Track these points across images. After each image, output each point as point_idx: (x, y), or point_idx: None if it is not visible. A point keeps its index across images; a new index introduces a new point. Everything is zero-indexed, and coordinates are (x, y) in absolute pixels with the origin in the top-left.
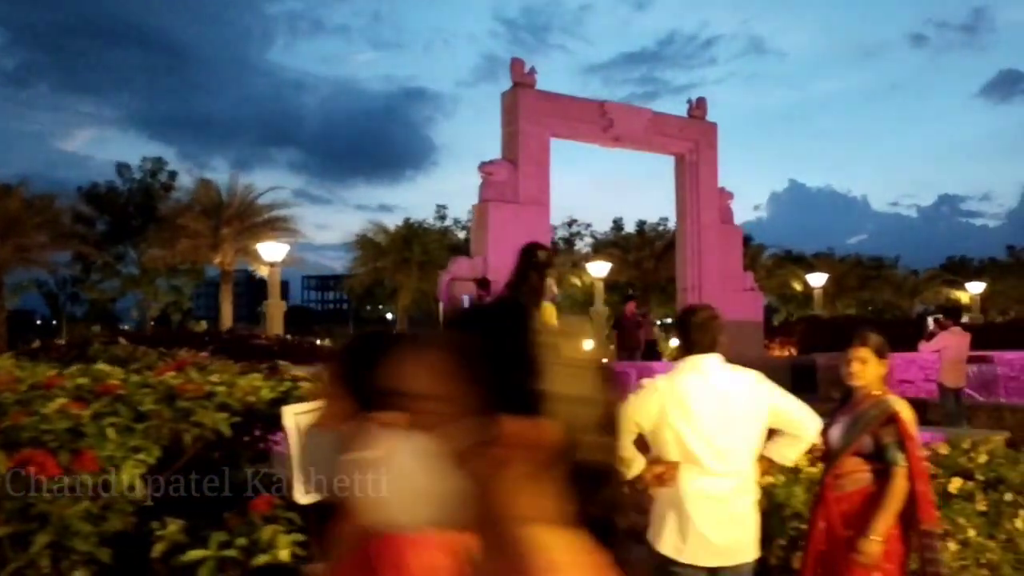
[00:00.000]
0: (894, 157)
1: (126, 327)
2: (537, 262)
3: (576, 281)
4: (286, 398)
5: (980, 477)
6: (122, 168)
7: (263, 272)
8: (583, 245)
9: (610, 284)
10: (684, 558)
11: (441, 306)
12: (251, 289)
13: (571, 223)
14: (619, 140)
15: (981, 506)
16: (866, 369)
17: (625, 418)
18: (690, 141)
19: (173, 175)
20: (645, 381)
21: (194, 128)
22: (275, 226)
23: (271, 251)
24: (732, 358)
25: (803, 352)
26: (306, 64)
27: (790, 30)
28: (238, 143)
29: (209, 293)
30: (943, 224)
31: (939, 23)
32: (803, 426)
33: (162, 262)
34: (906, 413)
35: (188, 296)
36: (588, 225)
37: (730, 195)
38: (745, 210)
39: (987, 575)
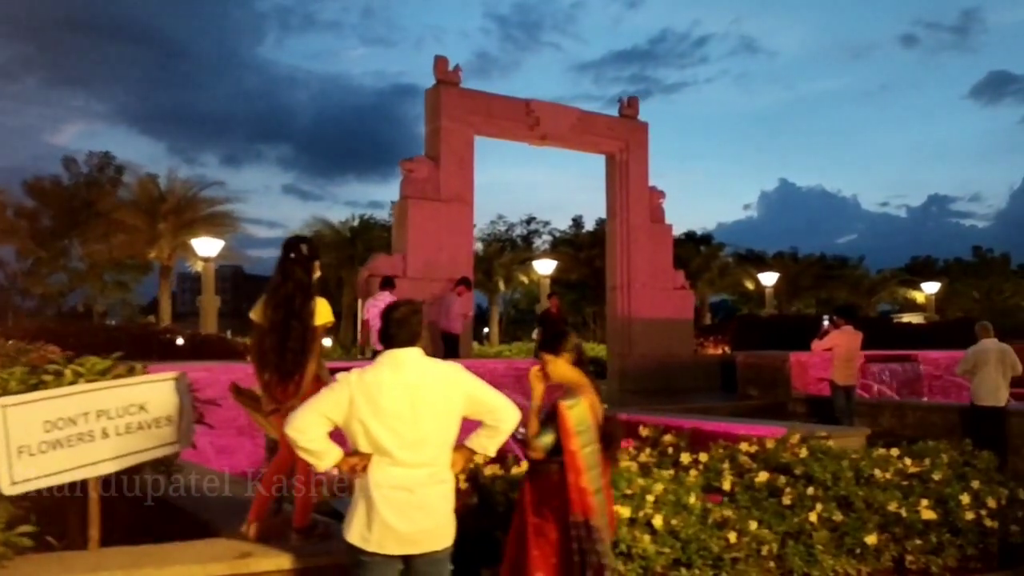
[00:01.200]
0: (884, 157)
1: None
2: (300, 256)
3: (524, 279)
4: (36, 388)
5: (797, 472)
6: (68, 162)
7: (198, 267)
8: (541, 243)
9: (563, 282)
10: (370, 547)
11: (360, 303)
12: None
13: (529, 220)
14: (546, 139)
15: (787, 499)
16: (555, 369)
17: (314, 411)
18: (620, 140)
19: (120, 170)
20: (340, 375)
21: (184, 123)
22: (213, 221)
23: (205, 246)
24: (662, 355)
25: (736, 350)
26: (297, 60)
27: (781, 30)
28: (229, 138)
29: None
30: (932, 224)
31: (929, 24)
32: (500, 417)
33: (99, 257)
34: (577, 411)
35: (132, 291)
36: (547, 223)
37: (661, 194)
38: (735, 209)
39: (773, 566)
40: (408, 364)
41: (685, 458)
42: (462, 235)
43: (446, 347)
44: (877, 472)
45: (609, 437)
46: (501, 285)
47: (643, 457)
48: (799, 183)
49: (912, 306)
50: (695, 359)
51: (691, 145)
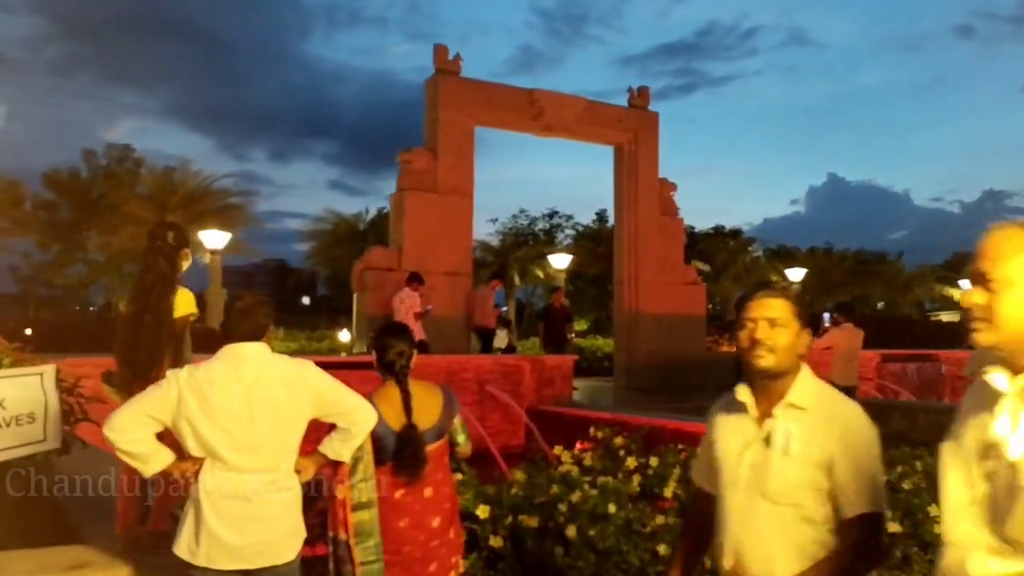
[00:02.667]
0: (937, 151)
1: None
2: (165, 245)
3: (539, 273)
4: None
5: None
6: (88, 154)
7: (207, 260)
8: (564, 237)
9: (583, 277)
10: (198, 561)
11: (356, 296)
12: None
13: (552, 215)
14: (550, 129)
15: None
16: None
17: (136, 410)
18: (629, 131)
19: (138, 162)
20: (169, 372)
21: (233, 119)
22: (225, 214)
23: (212, 239)
24: (671, 352)
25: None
26: (343, 55)
27: (832, 21)
28: (276, 134)
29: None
30: (988, 220)
31: (986, 14)
32: (353, 419)
33: (110, 249)
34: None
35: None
36: (569, 217)
37: (672, 186)
38: (781, 205)
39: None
40: (248, 360)
41: (631, 462)
42: (461, 228)
43: (482, 342)
44: None
45: (405, 449)
46: (516, 280)
47: (588, 460)
48: (849, 178)
49: (951, 304)
50: (707, 357)
51: (738, 139)
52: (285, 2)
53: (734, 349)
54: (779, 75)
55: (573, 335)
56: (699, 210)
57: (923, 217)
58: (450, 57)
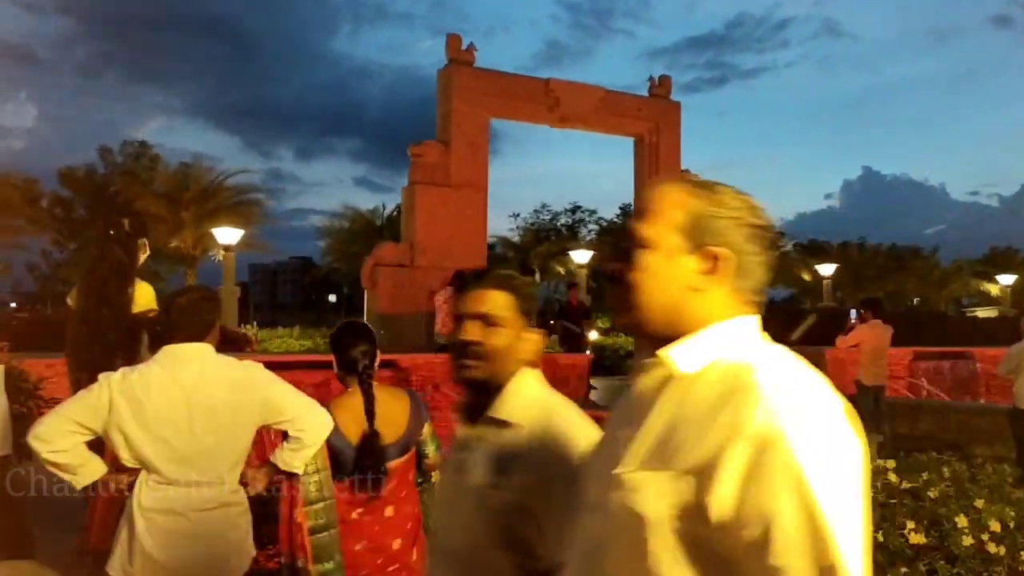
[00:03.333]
0: (974, 144)
1: None
2: (121, 233)
3: (560, 270)
4: None
5: None
6: (104, 151)
7: (220, 256)
8: (587, 232)
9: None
10: None
11: (367, 294)
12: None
13: (574, 210)
14: (566, 120)
15: None
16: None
17: (63, 417)
18: (650, 121)
19: (155, 159)
20: (100, 376)
21: (259, 117)
22: (238, 211)
23: (225, 235)
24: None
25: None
26: (369, 52)
27: (865, 12)
28: (301, 132)
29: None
30: None
31: None
32: (303, 427)
33: None
34: None
35: (165, 281)
36: (592, 212)
37: (696, 178)
38: (816, 199)
39: None
40: (189, 361)
41: None
42: (475, 222)
43: None
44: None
45: (365, 462)
46: (537, 276)
47: None
48: (884, 171)
49: (988, 299)
50: None
51: (769, 133)
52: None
53: None
54: (811, 67)
55: (590, 333)
56: None
57: (960, 211)
58: (464, 47)
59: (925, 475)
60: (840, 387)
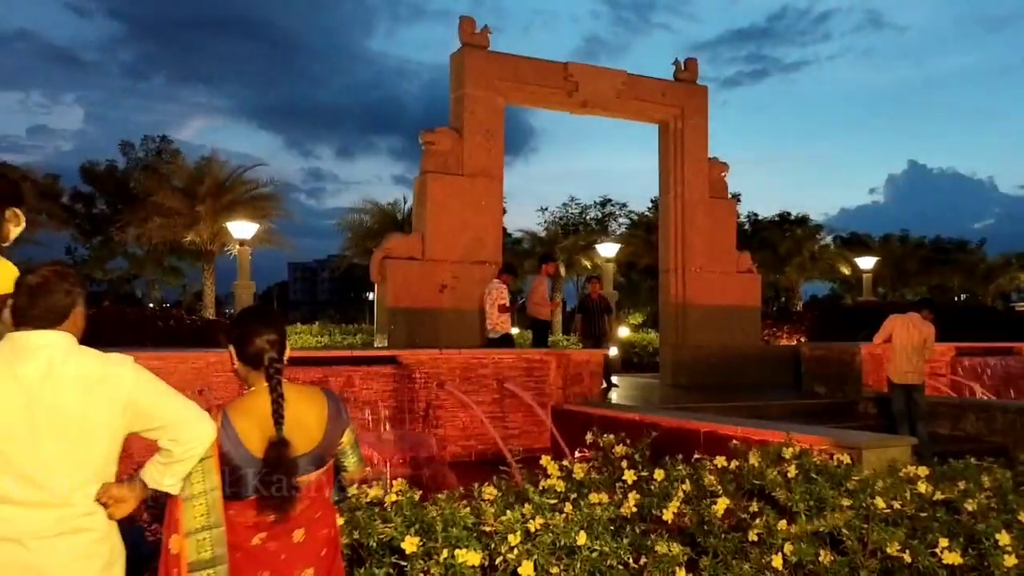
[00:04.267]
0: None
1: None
2: None
3: (586, 263)
4: None
5: (779, 496)
6: (125, 146)
7: (235, 251)
8: (617, 226)
9: (635, 267)
10: None
11: (376, 287)
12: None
13: (604, 203)
14: (587, 106)
15: (753, 535)
16: (232, 363)
17: None
18: (675, 107)
19: (176, 153)
20: None
21: (300, 117)
22: (255, 204)
23: (241, 229)
24: (722, 347)
25: (814, 341)
26: (407, 51)
27: (910, 2)
28: (342, 131)
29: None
30: None
31: None
32: (178, 435)
33: (138, 241)
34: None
35: (184, 277)
36: (623, 205)
37: (724, 166)
38: (859, 194)
39: None
40: (35, 353)
41: (629, 476)
42: (489, 213)
43: (535, 334)
44: (879, 501)
45: (271, 475)
46: (563, 270)
47: (579, 472)
48: (930, 165)
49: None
50: (763, 351)
51: (811, 127)
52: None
53: (794, 342)
54: (855, 59)
55: (618, 328)
56: (771, 200)
57: (1009, 205)
58: (477, 30)
59: (962, 484)
60: (877, 383)
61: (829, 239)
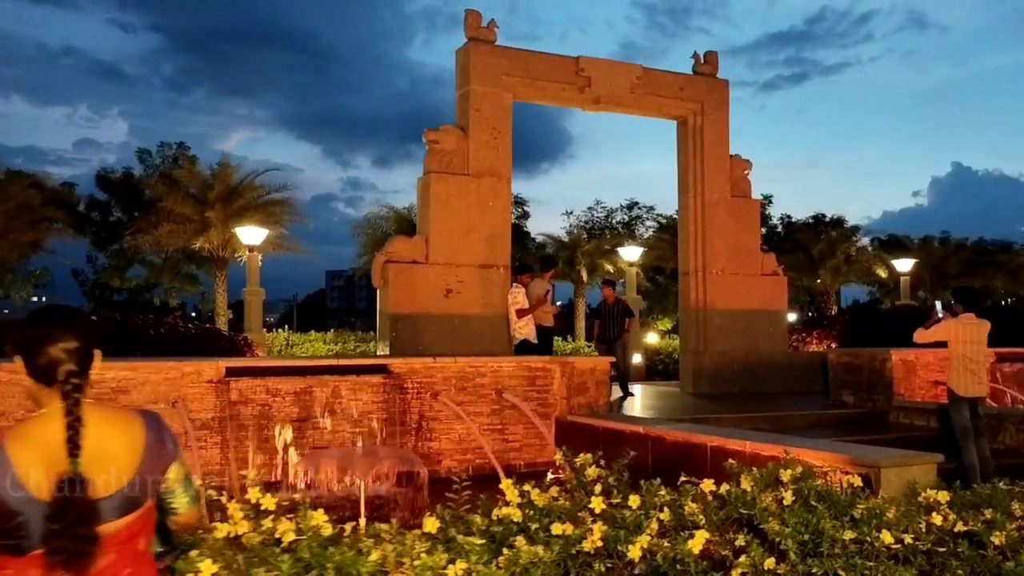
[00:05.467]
0: None
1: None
2: None
3: (609, 267)
4: None
5: (770, 528)
6: (143, 154)
7: (246, 257)
8: (645, 230)
9: (661, 271)
10: None
11: (378, 293)
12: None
13: (631, 206)
14: (600, 102)
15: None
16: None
17: None
18: (694, 102)
19: (193, 160)
20: None
21: (338, 126)
22: (267, 210)
23: (250, 235)
24: (746, 353)
25: (846, 347)
26: (444, 59)
27: (953, 2)
28: (380, 140)
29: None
30: None
31: None
32: None
33: (149, 247)
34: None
35: (200, 284)
36: (650, 208)
37: (746, 164)
38: (903, 196)
39: None
40: None
41: (597, 503)
42: (496, 214)
43: (539, 342)
44: (885, 535)
45: (61, 523)
46: (584, 275)
47: (540, 498)
48: (975, 167)
49: (957, 290)
50: (790, 358)
51: (853, 129)
52: (388, 10)
53: (823, 348)
54: (897, 61)
55: (645, 335)
56: (812, 204)
57: None
58: (484, 24)
59: (988, 513)
60: (909, 391)
61: (866, 241)
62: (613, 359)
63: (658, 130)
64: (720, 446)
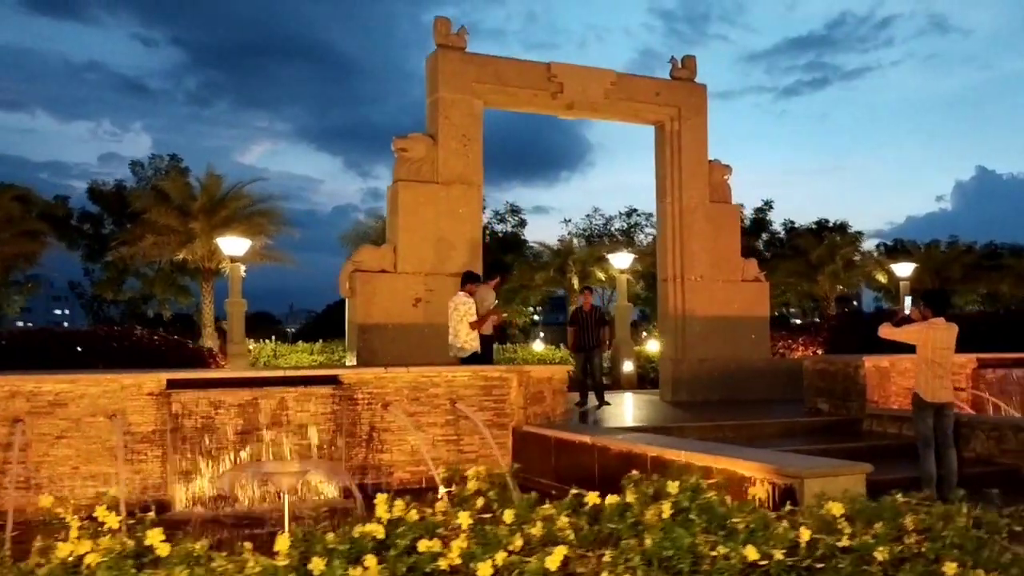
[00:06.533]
0: None
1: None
2: None
3: (600, 275)
4: None
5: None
6: (135, 166)
7: (227, 268)
8: (644, 237)
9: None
10: None
11: (347, 303)
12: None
13: (630, 213)
14: (573, 108)
15: None
16: None
17: None
18: (671, 107)
19: (184, 172)
20: None
21: (358, 138)
22: (251, 221)
23: (231, 245)
24: (727, 360)
25: (832, 354)
26: None
27: (976, 5)
28: None
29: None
30: None
31: None
32: None
33: (132, 259)
34: None
35: (192, 296)
36: (649, 215)
37: (726, 169)
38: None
39: None
40: None
41: (464, 518)
42: (467, 222)
43: (483, 352)
44: (749, 551)
45: None
46: (575, 283)
47: (407, 511)
48: (1000, 170)
49: (926, 292)
50: (773, 365)
51: (875, 134)
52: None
53: (810, 353)
54: (918, 65)
55: (609, 341)
56: (834, 210)
57: None
58: (453, 31)
59: (879, 526)
60: (883, 398)
61: (872, 246)
62: (569, 368)
63: None
64: (659, 456)
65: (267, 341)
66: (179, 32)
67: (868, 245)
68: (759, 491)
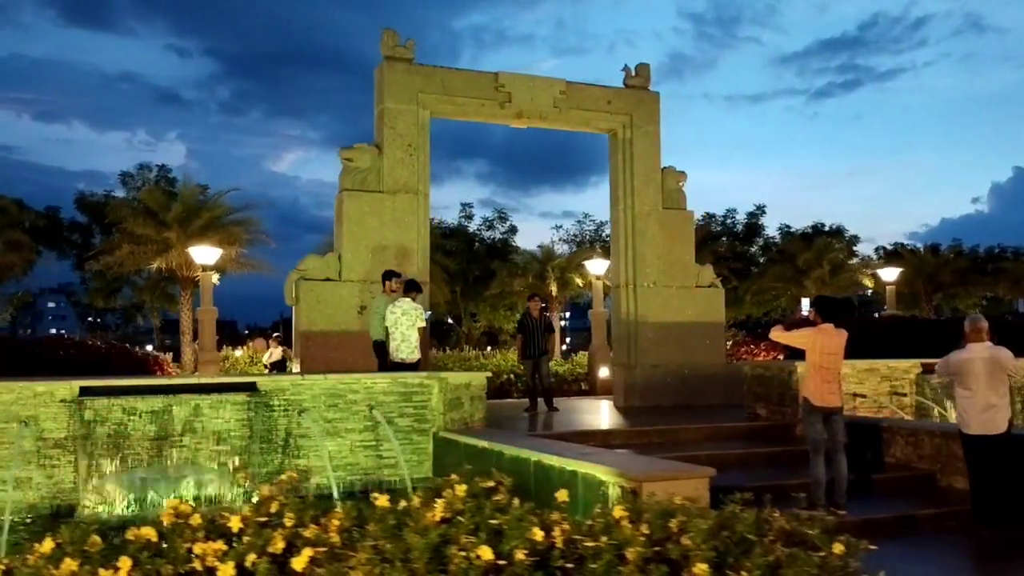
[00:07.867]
0: None
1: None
2: None
3: (578, 281)
4: None
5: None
6: (125, 177)
7: (200, 277)
8: None
9: None
10: None
11: (293, 310)
12: None
13: None
14: (523, 117)
15: None
16: None
17: None
18: (623, 115)
19: (172, 182)
20: None
21: None
22: (227, 230)
23: (203, 254)
24: (680, 366)
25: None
26: None
27: (1013, 3)
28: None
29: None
30: None
31: None
32: None
33: (112, 268)
34: None
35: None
36: None
37: (681, 175)
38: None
39: None
40: None
41: (235, 523)
42: (412, 231)
43: (378, 359)
44: (519, 554)
45: None
46: (554, 289)
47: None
48: None
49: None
50: (728, 370)
51: (909, 135)
52: (435, 28)
53: (771, 358)
54: (954, 65)
55: (553, 348)
56: (867, 213)
57: None
58: (401, 43)
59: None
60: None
61: (871, 251)
62: (489, 374)
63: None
64: (539, 461)
65: (242, 348)
66: (212, 42)
67: (867, 250)
68: (612, 493)
